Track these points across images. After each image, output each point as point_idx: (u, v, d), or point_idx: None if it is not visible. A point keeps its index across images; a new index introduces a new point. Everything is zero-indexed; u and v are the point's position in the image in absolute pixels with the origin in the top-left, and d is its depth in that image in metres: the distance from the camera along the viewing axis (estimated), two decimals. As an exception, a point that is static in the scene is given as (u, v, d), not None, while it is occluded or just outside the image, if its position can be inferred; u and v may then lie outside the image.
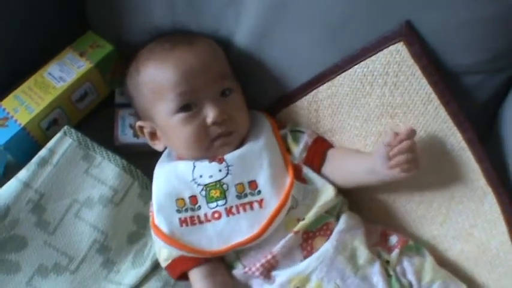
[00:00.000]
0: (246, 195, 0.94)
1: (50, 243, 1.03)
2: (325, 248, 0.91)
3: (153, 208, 0.96)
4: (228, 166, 0.95)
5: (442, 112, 0.89)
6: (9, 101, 1.08)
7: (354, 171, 0.96)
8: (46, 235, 1.03)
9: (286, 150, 0.99)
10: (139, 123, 1.04)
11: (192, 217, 0.94)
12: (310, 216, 0.92)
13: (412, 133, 0.86)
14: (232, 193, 0.94)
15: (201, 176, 0.96)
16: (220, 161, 0.96)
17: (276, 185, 0.94)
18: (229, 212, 0.93)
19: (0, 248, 1.01)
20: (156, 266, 1.02)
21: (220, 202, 0.94)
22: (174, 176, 0.98)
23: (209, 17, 1.04)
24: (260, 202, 0.93)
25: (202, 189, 0.95)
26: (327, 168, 0.99)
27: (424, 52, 0.87)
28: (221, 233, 0.93)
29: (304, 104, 1.02)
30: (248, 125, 1.00)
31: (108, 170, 1.06)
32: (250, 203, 0.93)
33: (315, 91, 0.99)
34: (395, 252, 0.93)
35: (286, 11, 0.96)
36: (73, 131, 1.07)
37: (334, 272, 0.90)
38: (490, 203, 0.89)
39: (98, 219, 1.04)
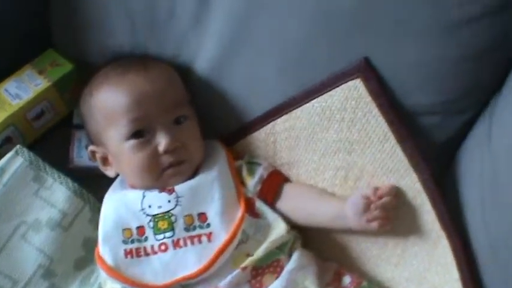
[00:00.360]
0: (194, 228, 0.91)
1: (-6, 265, 1.00)
2: (275, 286, 0.88)
3: (99, 238, 0.94)
4: (177, 197, 0.93)
5: (399, 151, 0.87)
6: (-39, 117, 1.05)
7: (316, 214, 0.94)
8: (-10, 257, 1.00)
9: (241, 183, 0.97)
10: (91, 147, 1.02)
11: (138, 248, 0.92)
12: (260, 252, 0.90)
13: (393, 190, 0.87)
14: (180, 225, 0.91)
15: (149, 206, 0.93)
16: (170, 191, 0.93)
17: (226, 218, 0.91)
18: (176, 244, 0.90)
19: None
20: (101, 294, 0.99)
21: (167, 234, 0.91)
22: (122, 205, 0.96)
23: (171, 41, 1.03)
24: (209, 235, 0.90)
25: (150, 220, 0.92)
26: (283, 205, 0.96)
27: (381, 89, 0.86)
28: (167, 266, 0.90)
29: (262, 136, 1.00)
30: (201, 154, 0.98)
31: (58, 193, 1.03)
32: (199, 236, 0.90)
33: (272, 123, 0.97)
34: None
35: (247, 40, 0.95)
36: (25, 150, 1.04)
37: None
38: (443, 247, 0.86)
39: (45, 242, 1.01)
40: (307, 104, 0.92)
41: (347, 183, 0.93)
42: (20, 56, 1.12)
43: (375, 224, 0.86)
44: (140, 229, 0.92)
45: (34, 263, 1.00)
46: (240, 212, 0.92)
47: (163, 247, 0.91)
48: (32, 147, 1.08)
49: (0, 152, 1.05)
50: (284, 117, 0.96)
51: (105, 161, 1.01)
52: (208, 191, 0.93)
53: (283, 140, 0.98)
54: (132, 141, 0.93)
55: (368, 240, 0.94)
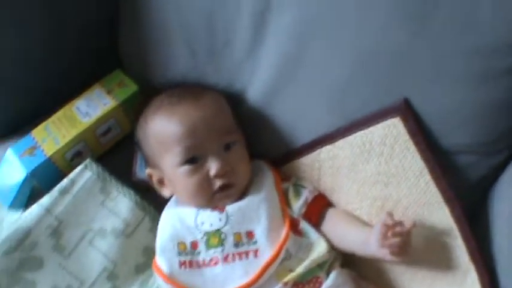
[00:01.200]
0: (242, 245, 0.99)
1: (64, 266, 1.10)
2: None
3: (156, 249, 1.03)
4: (228, 216, 1.01)
5: (433, 187, 0.93)
6: (38, 131, 1.17)
7: (348, 238, 1.00)
8: (61, 258, 1.11)
9: (286, 204, 1.04)
10: (148, 171, 1.11)
11: (191, 261, 1.01)
12: (300, 268, 0.97)
13: (413, 224, 0.91)
14: (229, 242, 1.00)
15: (202, 224, 1.02)
16: (222, 210, 1.02)
17: (272, 237, 0.99)
18: (225, 259, 0.99)
19: (19, 267, 1.09)
20: (159, 296, 1.09)
21: (218, 249, 1.00)
22: (178, 220, 1.05)
23: (226, 70, 1.11)
24: (255, 252, 0.98)
25: (203, 236, 1.01)
26: (325, 227, 1.04)
27: (419, 129, 0.91)
28: (216, 278, 0.99)
29: (308, 161, 1.07)
30: (249, 176, 1.06)
31: (122, 204, 1.13)
32: (246, 252, 0.99)
33: (318, 151, 1.04)
34: None
35: (296, 73, 1.02)
36: (94, 164, 1.14)
37: None
38: (472, 280, 0.92)
39: (109, 248, 1.11)
40: (350, 136, 0.99)
41: (383, 213, 0.97)
42: (88, 71, 1.24)
43: (387, 251, 0.90)
44: (194, 244, 1.01)
45: (99, 265, 1.10)
46: (284, 231, 1.00)
47: (214, 261, 1.00)
48: (99, 159, 1.18)
49: (72, 164, 1.16)
50: (329, 146, 1.02)
51: (161, 182, 1.10)
52: (256, 212, 1.01)
53: (327, 167, 1.04)
54: (186, 167, 1.02)
55: (400, 268, 0.99)
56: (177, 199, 1.11)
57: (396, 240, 0.89)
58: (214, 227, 1.01)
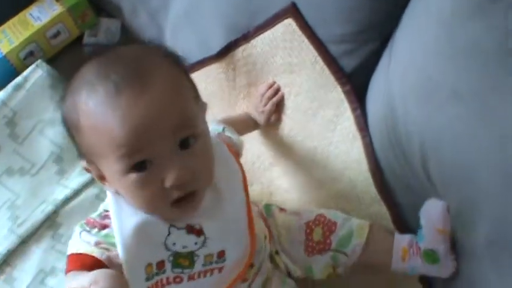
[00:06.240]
0: (211, 263, 0.86)
1: (18, 151, 1.27)
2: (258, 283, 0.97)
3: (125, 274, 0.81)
4: (205, 239, 0.84)
5: (326, 71, 1.08)
6: (-4, 34, 1.33)
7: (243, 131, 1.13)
8: (16, 145, 1.27)
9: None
10: (83, 164, 0.83)
11: (157, 282, 0.85)
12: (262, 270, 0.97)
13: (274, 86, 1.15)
14: (200, 262, 0.85)
15: (174, 244, 0.83)
16: (199, 233, 0.84)
17: (239, 253, 0.89)
18: (190, 277, 0.86)
19: (-23, 151, 1.25)
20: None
21: (186, 270, 0.85)
22: (145, 235, 0.82)
23: None
24: (220, 269, 0.87)
25: (170, 255, 0.83)
26: None
27: (307, 25, 1.06)
28: None
29: (223, 65, 1.23)
30: (213, 175, 0.84)
31: (69, 99, 1.26)
32: (212, 270, 0.87)
33: (231, 53, 1.20)
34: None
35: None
36: (44, 64, 1.30)
37: None
38: (357, 147, 1.08)
39: (57, 135, 1.27)
40: (260, 36, 1.15)
41: (290, 98, 1.16)
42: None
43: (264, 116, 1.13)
44: (160, 264, 0.83)
45: (48, 150, 1.27)
46: (249, 245, 0.89)
47: (178, 279, 0.86)
48: (50, 60, 1.34)
49: (25, 63, 1.33)
50: (244, 46, 1.18)
51: (102, 178, 0.82)
52: (234, 227, 0.88)
53: (241, 65, 1.20)
54: (134, 175, 0.75)
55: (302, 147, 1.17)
56: None
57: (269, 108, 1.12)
58: (188, 250, 0.84)
